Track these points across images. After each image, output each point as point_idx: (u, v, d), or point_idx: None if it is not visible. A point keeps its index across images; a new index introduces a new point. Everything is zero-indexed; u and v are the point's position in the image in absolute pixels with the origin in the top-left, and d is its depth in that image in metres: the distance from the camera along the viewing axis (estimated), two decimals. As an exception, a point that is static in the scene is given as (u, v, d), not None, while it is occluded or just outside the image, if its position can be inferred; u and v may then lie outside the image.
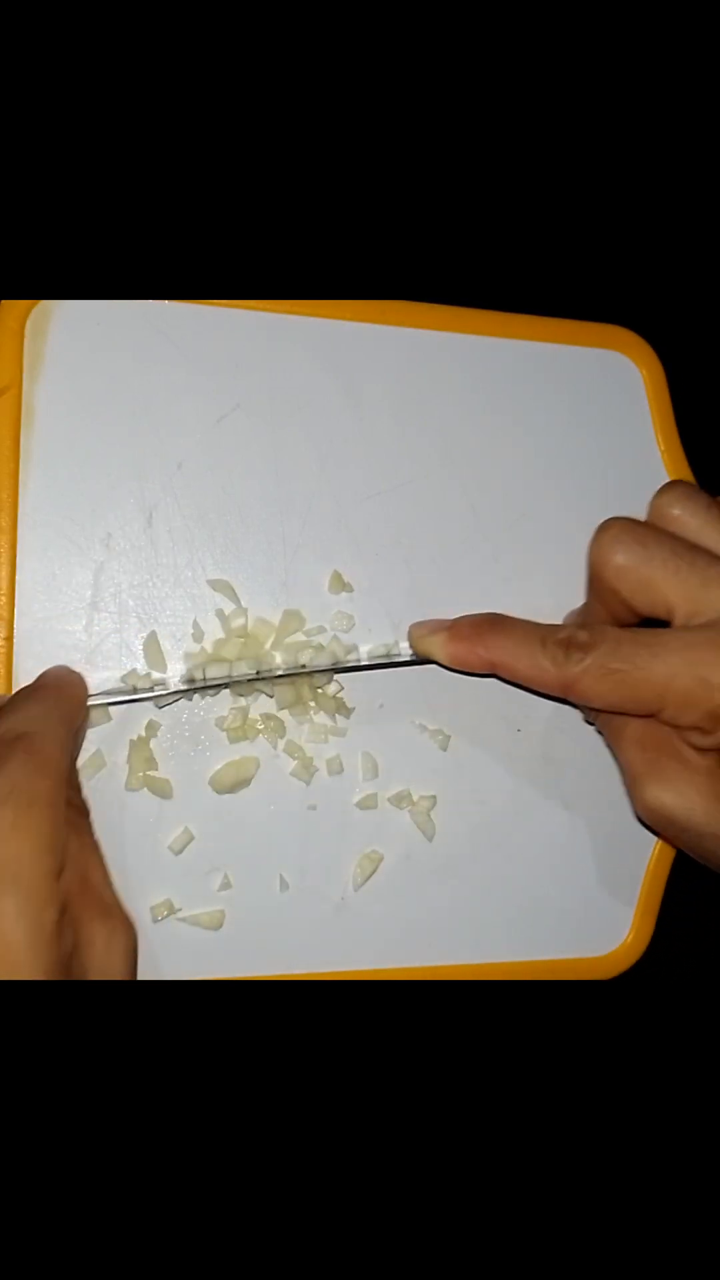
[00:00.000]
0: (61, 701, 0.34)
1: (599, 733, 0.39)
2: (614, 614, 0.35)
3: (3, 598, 0.37)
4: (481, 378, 0.43)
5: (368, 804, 0.39)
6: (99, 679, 0.37)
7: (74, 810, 0.33)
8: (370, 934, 0.39)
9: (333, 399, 0.41)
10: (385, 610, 0.40)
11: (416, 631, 0.39)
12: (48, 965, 0.26)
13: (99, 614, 0.38)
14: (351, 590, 0.40)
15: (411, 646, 0.39)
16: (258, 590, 0.39)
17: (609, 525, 0.35)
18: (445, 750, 0.41)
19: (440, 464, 0.42)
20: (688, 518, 0.35)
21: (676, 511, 0.35)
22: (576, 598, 0.43)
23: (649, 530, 0.34)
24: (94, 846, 0.33)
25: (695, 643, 0.32)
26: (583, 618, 0.38)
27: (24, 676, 0.37)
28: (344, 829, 0.39)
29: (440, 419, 0.42)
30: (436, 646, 0.37)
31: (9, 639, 0.37)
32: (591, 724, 0.40)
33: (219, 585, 0.39)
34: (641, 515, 0.43)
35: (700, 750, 0.34)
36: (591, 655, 0.33)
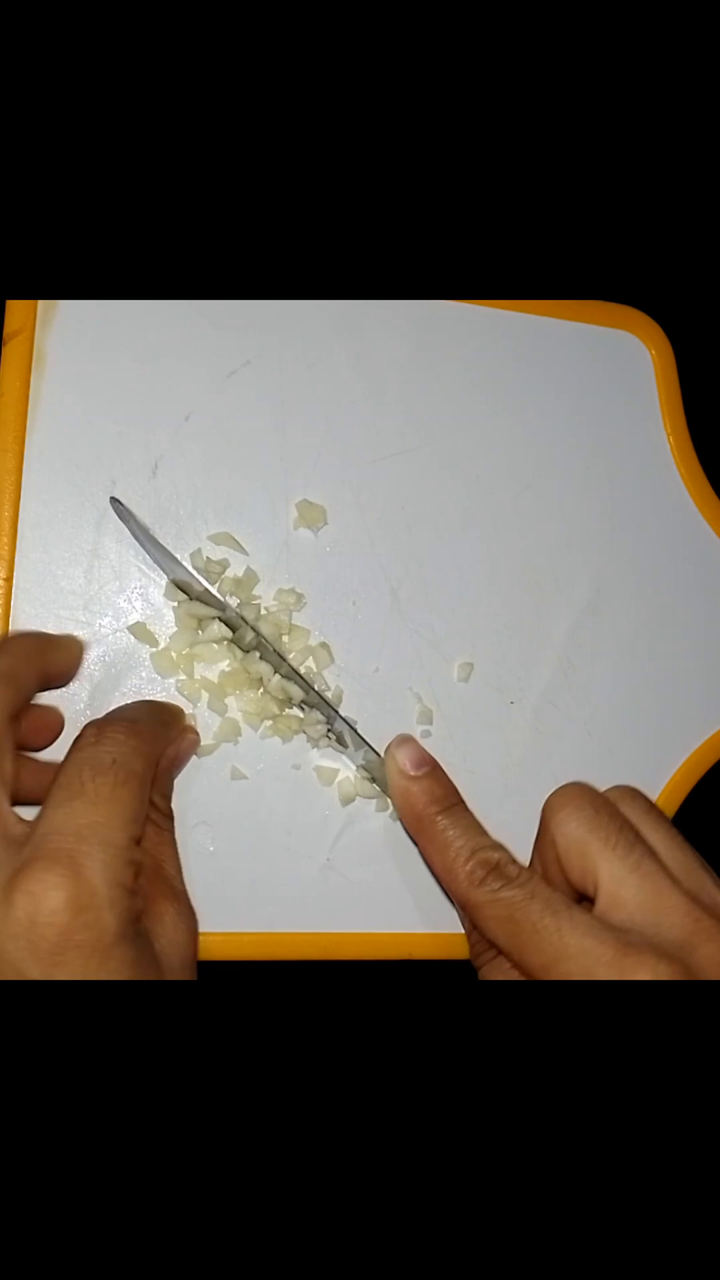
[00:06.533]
0: (170, 726, 0.36)
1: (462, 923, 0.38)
2: (548, 872, 0.35)
3: (4, 539, 0.37)
4: (491, 349, 0.43)
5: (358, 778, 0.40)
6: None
7: (159, 811, 0.36)
8: (355, 896, 0.39)
9: (342, 363, 0.41)
10: (385, 575, 0.41)
11: (397, 742, 0.37)
12: (121, 912, 0.30)
13: (99, 561, 0.38)
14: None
15: (388, 749, 0.37)
16: (259, 547, 0.39)
17: (568, 786, 0.35)
18: (438, 718, 0.41)
19: (446, 432, 0.42)
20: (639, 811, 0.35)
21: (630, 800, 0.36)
22: (575, 572, 0.43)
23: (604, 801, 0.35)
24: (171, 844, 0.36)
25: (601, 938, 0.32)
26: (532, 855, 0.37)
27: (22, 619, 0.37)
28: (332, 790, 0.39)
29: (448, 388, 0.42)
30: (394, 767, 0.36)
31: (9, 580, 0.37)
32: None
33: (220, 538, 0.39)
34: (645, 496, 0.44)
35: None
36: (506, 892, 0.33)
